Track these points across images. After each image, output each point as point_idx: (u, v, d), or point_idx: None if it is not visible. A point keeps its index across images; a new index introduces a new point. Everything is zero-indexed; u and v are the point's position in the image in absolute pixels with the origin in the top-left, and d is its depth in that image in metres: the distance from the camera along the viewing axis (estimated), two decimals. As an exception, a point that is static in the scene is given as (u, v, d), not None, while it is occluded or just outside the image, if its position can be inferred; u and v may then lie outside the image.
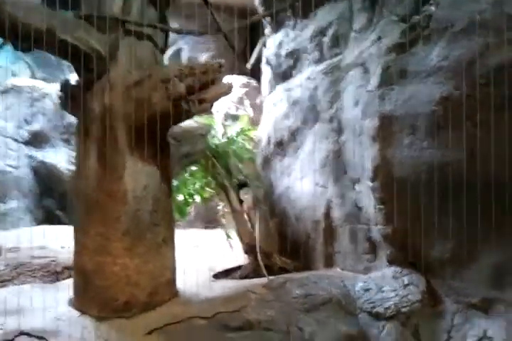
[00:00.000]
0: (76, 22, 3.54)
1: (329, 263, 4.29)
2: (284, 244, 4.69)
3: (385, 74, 3.64)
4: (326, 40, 4.43)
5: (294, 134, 4.66)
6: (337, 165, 4.20)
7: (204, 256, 5.15)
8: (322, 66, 4.36)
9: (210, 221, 7.31)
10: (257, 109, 6.64)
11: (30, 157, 7.18)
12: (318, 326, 3.39)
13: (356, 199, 4.04)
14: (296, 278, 3.88)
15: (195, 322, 3.37)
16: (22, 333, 3.16)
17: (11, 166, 6.95)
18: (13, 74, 7.99)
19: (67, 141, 7.47)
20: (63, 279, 4.41)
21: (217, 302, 3.63)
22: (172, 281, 3.80)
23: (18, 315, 3.44)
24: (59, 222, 7.13)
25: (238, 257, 5.09)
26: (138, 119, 3.52)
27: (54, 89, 7.86)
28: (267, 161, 5.04)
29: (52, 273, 4.35)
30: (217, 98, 3.51)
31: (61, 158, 7.26)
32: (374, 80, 3.73)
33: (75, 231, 3.72)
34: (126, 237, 3.52)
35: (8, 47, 8.23)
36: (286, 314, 3.44)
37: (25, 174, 7.08)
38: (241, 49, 7.35)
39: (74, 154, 3.91)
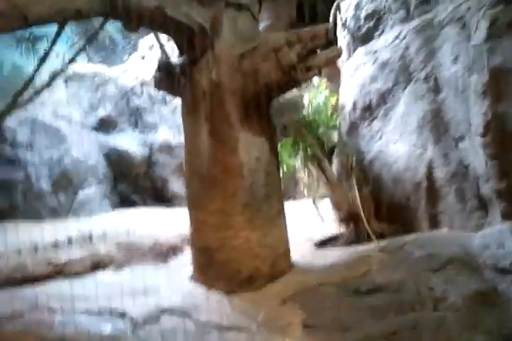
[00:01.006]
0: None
1: (434, 224, 4.26)
2: (380, 209, 4.67)
3: (492, 26, 3.52)
4: (412, -2, 4.30)
5: (384, 97, 4.58)
6: (436, 125, 4.13)
7: (297, 227, 5.18)
8: (412, 24, 4.24)
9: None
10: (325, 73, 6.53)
11: (101, 143, 7.27)
12: (448, 285, 3.39)
13: (461, 158, 3.97)
14: (411, 239, 3.87)
15: (324, 289, 3.41)
16: (163, 311, 3.25)
17: (83, 153, 7.05)
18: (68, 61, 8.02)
19: (134, 125, 7.53)
20: (170, 259, 4.51)
21: (339, 268, 3.67)
22: (288, 252, 3.84)
23: (148, 295, 3.54)
24: (134, 205, 7.26)
25: (329, 226, 5.11)
26: (247, 91, 3.51)
27: (116, 72, 7.91)
28: (352, 127, 4.98)
29: (160, 254, 4.45)
30: (327, 63, 3.46)
31: (131, 142, 7.32)
32: (479, 34, 3.62)
33: (191, 208, 3.77)
34: (246, 211, 3.56)
35: (66, 33, 8.25)
36: (414, 275, 3.44)
37: (98, 160, 7.18)
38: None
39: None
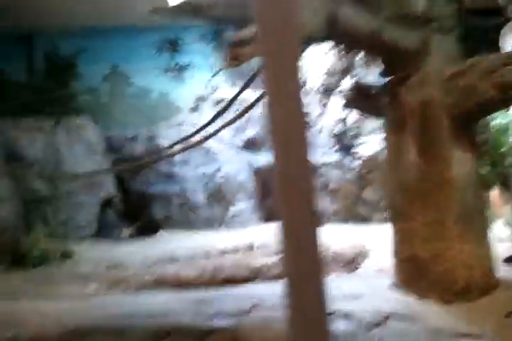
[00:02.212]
0: (390, 22, 3.76)
1: None
2: None
3: None
4: None
5: None
6: None
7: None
8: None
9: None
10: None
11: (249, 161, 7.67)
12: None
13: None
14: None
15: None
16: (387, 315, 3.38)
17: (234, 170, 7.47)
18: (212, 88, 8.61)
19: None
20: (356, 268, 4.67)
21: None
22: (493, 266, 3.87)
23: (359, 300, 3.70)
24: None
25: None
26: (459, 109, 3.65)
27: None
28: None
29: (344, 264, 4.62)
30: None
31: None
32: None
33: (395, 219, 3.93)
34: (459, 223, 3.66)
35: (211, 62, 8.82)
36: None
37: (247, 177, 7.57)
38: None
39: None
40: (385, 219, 7.39)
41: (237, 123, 8.05)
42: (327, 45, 6.50)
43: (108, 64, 8.39)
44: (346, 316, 3.38)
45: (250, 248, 5.54)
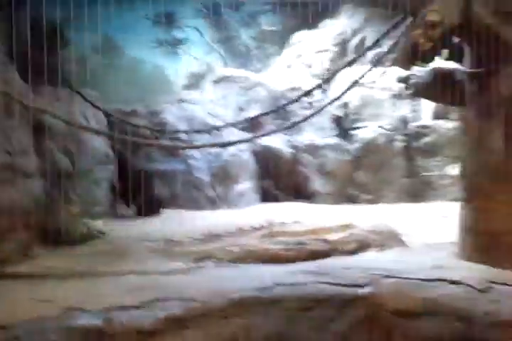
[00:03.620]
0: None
1: None
2: None
3: None
4: None
5: None
6: None
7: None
8: None
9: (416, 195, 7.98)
10: None
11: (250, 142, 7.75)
12: None
13: None
14: None
15: None
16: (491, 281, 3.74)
17: (239, 150, 7.52)
18: (208, 65, 8.54)
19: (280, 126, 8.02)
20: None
21: None
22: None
23: (445, 270, 4.05)
24: (276, 201, 7.75)
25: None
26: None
27: (262, 78, 8.43)
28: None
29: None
30: None
31: (277, 142, 7.82)
32: None
33: (473, 198, 4.32)
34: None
35: (205, 40, 8.75)
36: None
37: (249, 157, 7.65)
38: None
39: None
40: (372, 200, 7.96)
41: (237, 103, 8.14)
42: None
43: (100, 34, 7.95)
44: (454, 282, 3.71)
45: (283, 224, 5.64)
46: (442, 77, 4.49)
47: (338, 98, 4.70)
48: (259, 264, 4.12)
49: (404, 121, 8.13)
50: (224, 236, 5.10)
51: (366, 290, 3.42)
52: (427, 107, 8.18)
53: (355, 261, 4.22)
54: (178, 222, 6.33)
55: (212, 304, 3.00)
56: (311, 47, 8.45)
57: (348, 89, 4.55)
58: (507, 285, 3.72)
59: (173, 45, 8.50)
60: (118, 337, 2.71)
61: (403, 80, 4.94)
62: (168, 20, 8.33)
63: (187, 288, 3.26)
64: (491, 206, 4.19)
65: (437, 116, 8.08)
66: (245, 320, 3.02)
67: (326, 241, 4.54)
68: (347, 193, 8.19)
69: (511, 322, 3.32)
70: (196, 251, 4.35)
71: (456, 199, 7.80)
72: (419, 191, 8.02)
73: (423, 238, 5.32)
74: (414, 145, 8.06)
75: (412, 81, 4.78)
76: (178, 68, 8.47)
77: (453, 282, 3.73)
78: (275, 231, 4.90)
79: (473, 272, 3.98)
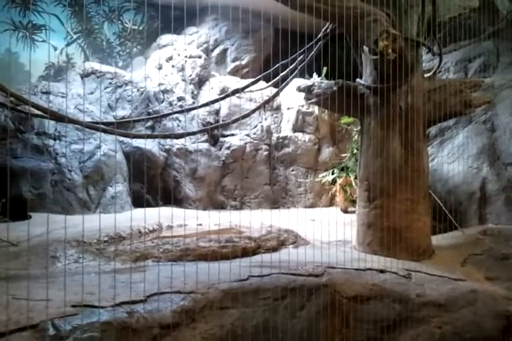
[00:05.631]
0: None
1: (482, 221, 6.14)
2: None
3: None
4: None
5: (443, 131, 6.39)
6: (491, 153, 6.08)
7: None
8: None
9: (276, 202, 8.48)
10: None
11: (121, 142, 7.33)
12: None
13: (509, 177, 5.98)
14: (493, 228, 5.65)
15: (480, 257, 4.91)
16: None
17: (112, 150, 7.06)
18: (68, 56, 7.91)
19: (151, 128, 7.75)
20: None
21: (463, 245, 5.20)
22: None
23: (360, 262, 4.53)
24: (148, 205, 7.48)
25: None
26: (432, 115, 4.91)
27: (136, 76, 8.06)
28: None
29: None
30: (481, 105, 5.09)
31: (148, 144, 7.52)
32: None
33: (376, 197, 4.90)
34: (426, 201, 4.90)
35: (66, 30, 8.19)
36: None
37: (122, 158, 7.23)
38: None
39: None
40: (237, 206, 8.26)
41: (109, 100, 7.69)
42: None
43: None
44: (382, 271, 4.18)
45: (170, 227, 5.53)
46: (346, 90, 5.00)
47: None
48: (200, 262, 4.05)
49: (269, 132, 8.66)
50: (127, 239, 4.84)
51: (324, 279, 3.67)
52: (287, 120, 8.85)
53: (287, 255, 4.42)
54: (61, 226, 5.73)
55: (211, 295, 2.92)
56: (181, 52, 8.47)
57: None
58: (419, 272, 4.34)
59: (31, 32, 7.70)
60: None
61: (304, 90, 5.32)
62: (25, 2, 7.53)
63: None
64: (392, 205, 4.82)
65: (295, 129, 8.80)
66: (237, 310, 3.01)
67: (250, 238, 4.66)
68: (216, 199, 8.34)
69: (436, 302, 3.90)
70: (128, 250, 4.08)
71: (310, 206, 8.66)
72: (278, 198, 8.60)
73: (315, 237, 5.77)
74: (276, 155, 8.65)
75: (314, 91, 5.19)
76: (35, 57, 7.69)
77: (381, 271, 4.20)
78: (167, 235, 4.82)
79: (387, 263, 4.53)
